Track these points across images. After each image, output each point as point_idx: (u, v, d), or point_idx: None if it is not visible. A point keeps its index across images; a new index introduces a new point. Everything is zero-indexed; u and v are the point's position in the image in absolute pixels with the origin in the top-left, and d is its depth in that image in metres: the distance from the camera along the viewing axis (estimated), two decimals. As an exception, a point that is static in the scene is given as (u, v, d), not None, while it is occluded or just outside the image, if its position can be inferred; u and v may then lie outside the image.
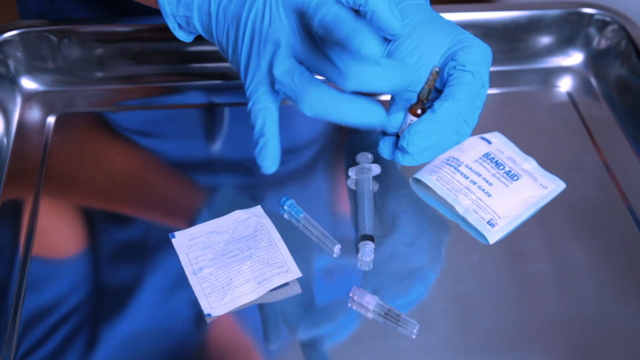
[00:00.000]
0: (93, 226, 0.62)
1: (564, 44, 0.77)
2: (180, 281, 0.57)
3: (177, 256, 0.59)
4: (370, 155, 0.65)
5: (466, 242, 0.61)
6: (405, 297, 0.57)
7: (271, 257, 0.58)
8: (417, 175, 0.65)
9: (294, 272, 0.57)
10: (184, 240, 0.59)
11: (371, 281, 0.57)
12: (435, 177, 0.64)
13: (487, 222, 0.61)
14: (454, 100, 0.54)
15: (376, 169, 0.64)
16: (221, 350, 0.54)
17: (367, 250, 0.58)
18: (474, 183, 0.63)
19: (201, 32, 0.57)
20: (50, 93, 0.73)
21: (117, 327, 0.54)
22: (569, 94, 0.75)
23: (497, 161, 0.66)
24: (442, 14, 0.60)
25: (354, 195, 0.64)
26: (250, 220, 0.61)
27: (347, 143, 0.69)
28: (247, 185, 0.65)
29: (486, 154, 0.66)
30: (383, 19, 0.50)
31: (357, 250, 0.59)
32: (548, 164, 0.66)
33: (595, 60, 0.76)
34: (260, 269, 0.57)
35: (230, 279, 0.56)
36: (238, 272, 0.57)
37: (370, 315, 0.55)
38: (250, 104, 0.55)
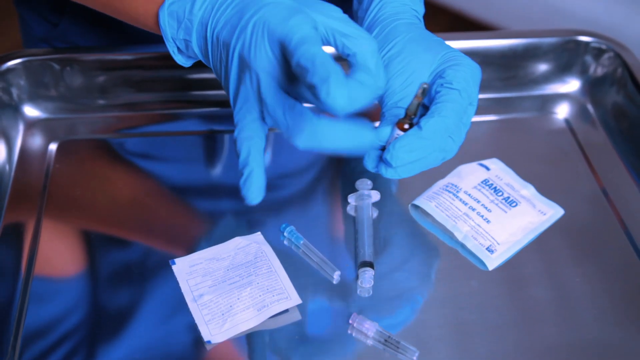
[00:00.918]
0: (93, 251, 0.62)
1: (561, 71, 0.77)
2: (179, 306, 0.57)
3: (176, 281, 0.59)
4: (369, 182, 0.65)
5: (465, 268, 0.61)
6: (405, 323, 0.57)
7: (271, 283, 0.58)
8: (416, 202, 0.65)
9: (294, 299, 0.57)
10: (184, 267, 0.60)
11: (371, 307, 0.58)
12: (435, 203, 0.64)
13: (486, 249, 0.62)
14: (440, 117, 0.54)
15: (375, 196, 0.65)
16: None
17: (367, 276, 0.58)
18: (473, 209, 0.64)
19: (200, 57, 0.57)
20: (52, 120, 0.73)
21: (114, 350, 0.55)
22: (567, 121, 0.75)
23: (495, 187, 0.66)
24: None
25: (353, 220, 0.64)
26: (250, 247, 0.61)
27: (345, 166, 0.70)
28: (247, 210, 0.65)
29: (485, 180, 0.66)
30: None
31: (357, 277, 0.59)
32: (546, 190, 0.67)
33: (592, 87, 0.77)
34: (260, 295, 0.57)
35: (230, 306, 0.56)
36: (238, 298, 0.57)
37: (369, 341, 0.55)
38: (236, 132, 0.54)
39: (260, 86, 0.52)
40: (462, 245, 0.62)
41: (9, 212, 0.65)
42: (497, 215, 0.64)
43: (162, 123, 0.74)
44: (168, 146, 0.72)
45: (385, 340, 0.55)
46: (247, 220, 0.64)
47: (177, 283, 0.59)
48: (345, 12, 0.54)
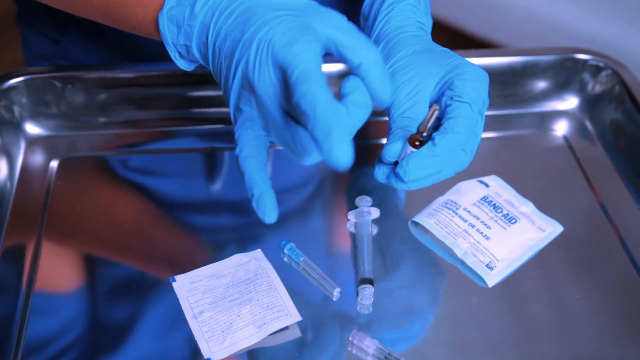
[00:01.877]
0: (94, 267, 0.62)
1: (559, 88, 0.78)
2: (179, 322, 0.57)
3: (175, 297, 0.59)
4: (369, 199, 0.65)
5: (465, 285, 0.61)
6: (405, 340, 0.57)
7: (271, 300, 0.58)
8: (416, 219, 0.65)
9: (294, 316, 0.57)
10: (184, 284, 0.60)
11: (371, 324, 0.58)
12: (434, 220, 0.65)
13: (486, 265, 0.62)
14: (454, 134, 0.54)
15: (375, 212, 0.65)
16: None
17: (367, 293, 0.59)
18: (473, 226, 0.64)
19: (201, 61, 0.56)
20: (53, 138, 0.74)
21: None
22: (565, 138, 0.76)
23: (495, 204, 0.66)
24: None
25: (353, 236, 0.64)
26: (251, 263, 0.61)
27: (344, 182, 0.70)
28: (247, 227, 0.65)
29: (484, 197, 0.67)
30: (372, 88, 0.50)
31: (357, 294, 0.59)
32: (545, 207, 0.67)
33: (590, 104, 0.77)
34: (260, 312, 0.57)
35: (231, 323, 0.56)
36: (238, 315, 0.57)
37: (369, 359, 0.55)
38: (237, 149, 0.53)
39: (263, 109, 0.51)
40: (462, 262, 0.62)
41: (10, 228, 0.65)
42: (496, 232, 0.64)
43: (163, 140, 0.74)
44: (169, 163, 0.72)
45: (385, 358, 0.55)
46: (248, 236, 0.64)
47: (176, 299, 0.59)
48: (351, 19, 0.53)
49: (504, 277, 0.62)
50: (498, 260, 0.62)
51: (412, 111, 0.57)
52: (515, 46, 1.83)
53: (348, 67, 0.52)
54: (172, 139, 0.75)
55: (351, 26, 0.51)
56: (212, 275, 0.60)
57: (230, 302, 0.58)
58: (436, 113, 0.55)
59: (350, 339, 0.56)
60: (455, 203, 0.66)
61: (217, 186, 0.70)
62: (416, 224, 0.65)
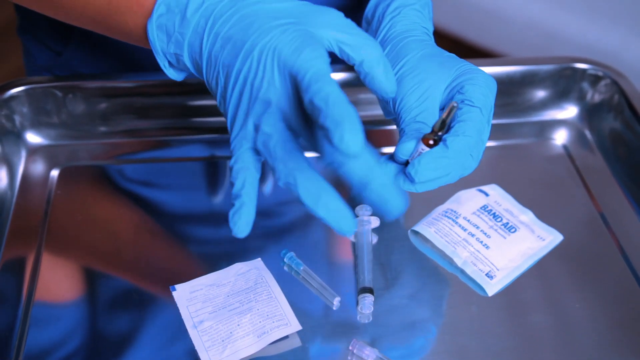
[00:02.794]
0: (94, 276, 0.62)
1: (558, 97, 0.78)
2: (179, 332, 0.57)
3: (176, 307, 0.59)
4: (369, 208, 0.65)
5: (465, 294, 0.61)
6: (405, 350, 0.57)
7: (271, 310, 0.58)
8: (415, 228, 0.65)
9: (294, 325, 0.57)
10: (184, 293, 0.60)
11: (371, 333, 0.58)
12: (434, 229, 0.65)
13: (486, 274, 0.62)
14: (465, 137, 0.54)
15: (375, 222, 0.65)
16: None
17: (367, 302, 0.59)
18: (472, 235, 0.64)
19: (192, 71, 0.55)
20: (54, 147, 0.74)
21: None
22: (565, 147, 0.76)
23: (494, 213, 0.66)
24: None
25: (353, 245, 0.64)
26: (251, 273, 0.61)
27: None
28: (247, 236, 0.65)
29: (484, 206, 0.67)
30: (377, 82, 0.51)
31: (357, 303, 0.59)
32: (545, 216, 0.67)
33: (590, 113, 0.78)
34: (260, 322, 0.57)
35: (231, 332, 0.56)
36: (238, 325, 0.57)
37: (370, 368, 0.55)
38: (232, 160, 0.52)
39: (262, 116, 0.50)
40: (462, 271, 0.63)
41: (11, 237, 0.65)
42: (496, 241, 0.64)
43: (163, 149, 0.75)
44: (169, 172, 0.72)
45: (386, 367, 0.55)
46: (248, 246, 0.64)
47: (176, 309, 0.59)
48: (348, 15, 0.53)
49: (504, 286, 0.62)
50: (498, 269, 0.62)
51: (424, 116, 0.56)
52: (514, 55, 1.84)
53: (349, 64, 0.53)
54: (172, 147, 0.75)
55: (350, 23, 0.52)
56: (212, 285, 0.60)
57: (231, 311, 0.58)
58: (454, 111, 0.54)
59: (350, 348, 0.56)
60: (455, 212, 0.66)
61: (218, 195, 0.70)
62: (416, 233, 0.65)
